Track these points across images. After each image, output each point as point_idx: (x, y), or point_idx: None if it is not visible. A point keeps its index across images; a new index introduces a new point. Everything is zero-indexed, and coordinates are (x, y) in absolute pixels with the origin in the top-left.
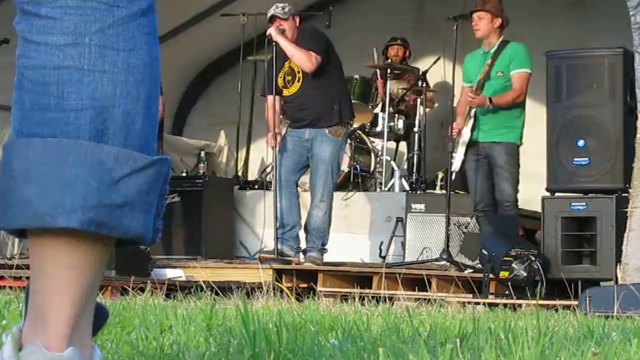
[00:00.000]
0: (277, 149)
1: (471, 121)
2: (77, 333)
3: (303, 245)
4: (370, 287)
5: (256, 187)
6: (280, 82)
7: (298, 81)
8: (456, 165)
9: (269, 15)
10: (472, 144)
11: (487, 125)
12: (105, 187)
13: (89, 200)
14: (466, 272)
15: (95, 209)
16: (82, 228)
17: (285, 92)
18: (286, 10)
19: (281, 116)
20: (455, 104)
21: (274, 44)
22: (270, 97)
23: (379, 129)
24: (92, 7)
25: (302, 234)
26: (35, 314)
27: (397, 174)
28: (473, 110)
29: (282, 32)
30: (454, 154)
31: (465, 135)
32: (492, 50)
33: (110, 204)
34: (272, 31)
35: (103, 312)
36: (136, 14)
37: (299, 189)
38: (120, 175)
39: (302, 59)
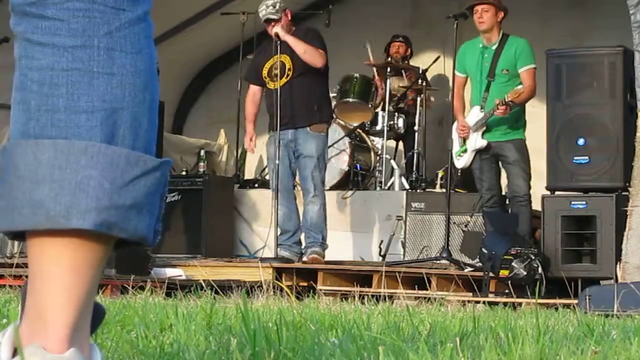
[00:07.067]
0: (271, 155)
1: (484, 128)
2: (77, 334)
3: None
4: (370, 286)
5: (256, 185)
6: (264, 72)
7: (286, 77)
8: (462, 164)
9: (262, 18)
10: None
11: (494, 126)
12: (117, 188)
13: (102, 201)
14: (466, 270)
15: (108, 210)
16: (96, 229)
17: (270, 85)
18: (277, 8)
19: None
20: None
21: (278, 42)
22: (255, 88)
23: (378, 127)
24: (99, 10)
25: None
26: (33, 315)
27: (397, 172)
28: (488, 118)
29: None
30: (461, 153)
31: (480, 143)
32: (494, 47)
33: (122, 206)
34: (279, 31)
35: (100, 310)
36: (140, 18)
37: (296, 188)
38: (131, 177)
39: (315, 55)
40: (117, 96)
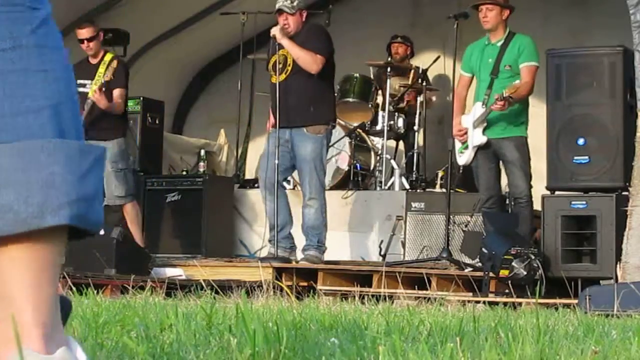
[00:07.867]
0: (268, 151)
1: (485, 124)
2: (53, 330)
3: (297, 243)
4: (370, 286)
5: (256, 185)
6: (270, 65)
7: (285, 72)
8: (463, 161)
9: (276, 7)
10: None
11: (495, 123)
12: (79, 180)
13: (71, 195)
14: (466, 270)
15: (77, 202)
16: (71, 223)
17: (273, 79)
18: (294, 4)
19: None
20: None
21: (277, 44)
22: None
23: (378, 127)
24: (19, 10)
25: (299, 233)
26: (5, 320)
27: (397, 172)
28: (487, 114)
29: (287, 33)
30: (463, 150)
31: (480, 139)
32: (500, 44)
33: (86, 197)
34: (277, 33)
35: (66, 303)
36: (49, 16)
37: (296, 188)
38: (87, 167)
39: (308, 61)
40: (54, 91)
